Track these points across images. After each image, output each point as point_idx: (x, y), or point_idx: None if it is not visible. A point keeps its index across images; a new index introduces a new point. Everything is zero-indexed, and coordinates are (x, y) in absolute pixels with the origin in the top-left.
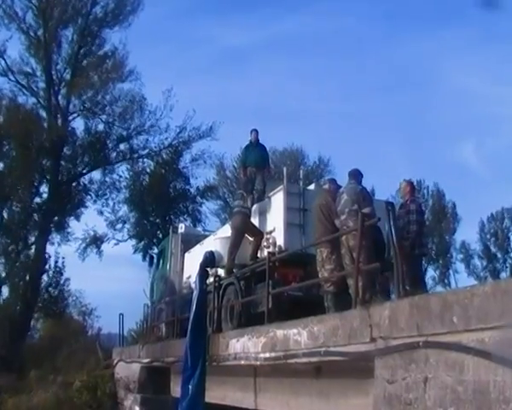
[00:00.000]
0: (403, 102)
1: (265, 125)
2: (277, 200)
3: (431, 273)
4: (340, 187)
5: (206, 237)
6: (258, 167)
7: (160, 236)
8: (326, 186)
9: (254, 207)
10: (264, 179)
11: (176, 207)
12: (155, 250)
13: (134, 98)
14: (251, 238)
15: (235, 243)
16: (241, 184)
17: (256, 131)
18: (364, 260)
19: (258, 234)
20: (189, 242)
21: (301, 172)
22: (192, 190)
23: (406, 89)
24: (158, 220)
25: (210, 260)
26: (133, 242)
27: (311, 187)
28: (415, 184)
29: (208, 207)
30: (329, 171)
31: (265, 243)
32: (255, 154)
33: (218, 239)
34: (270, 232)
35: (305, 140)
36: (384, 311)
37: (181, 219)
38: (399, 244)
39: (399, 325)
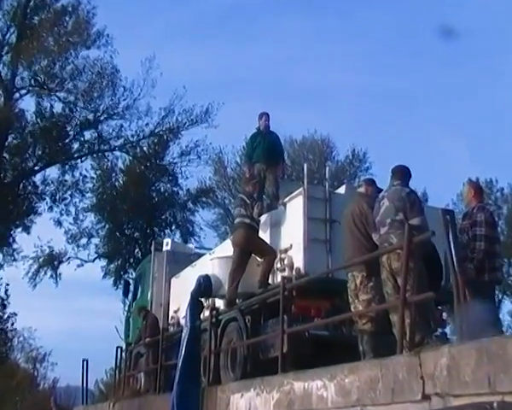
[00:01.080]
0: (462, 75)
1: (279, 106)
2: (295, 207)
3: (508, 307)
4: (380, 190)
5: (199, 256)
6: (270, 164)
7: (139, 255)
8: (361, 189)
9: (264, 217)
10: (278, 180)
11: (160, 217)
12: (132, 274)
13: (103, 70)
14: (260, 259)
15: (239, 265)
16: (245, 187)
17: (267, 115)
18: (413, 289)
19: (270, 253)
20: (178, 263)
21: (327, 169)
22: (181, 194)
23: (467, 57)
24: (136, 234)
25: (205, 287)
26: (102, 262)
27: (341, 190)
28: (483, 185)
29: (203, 216)
30: (366, 169)
31: (279, 266)
32: (265, 145)
33: (215, 260)
34: (286, 251)
35: (332, 126)
36: (441, 358)
37: (167, 232)
38: (462, 267)
39: (463, 378)
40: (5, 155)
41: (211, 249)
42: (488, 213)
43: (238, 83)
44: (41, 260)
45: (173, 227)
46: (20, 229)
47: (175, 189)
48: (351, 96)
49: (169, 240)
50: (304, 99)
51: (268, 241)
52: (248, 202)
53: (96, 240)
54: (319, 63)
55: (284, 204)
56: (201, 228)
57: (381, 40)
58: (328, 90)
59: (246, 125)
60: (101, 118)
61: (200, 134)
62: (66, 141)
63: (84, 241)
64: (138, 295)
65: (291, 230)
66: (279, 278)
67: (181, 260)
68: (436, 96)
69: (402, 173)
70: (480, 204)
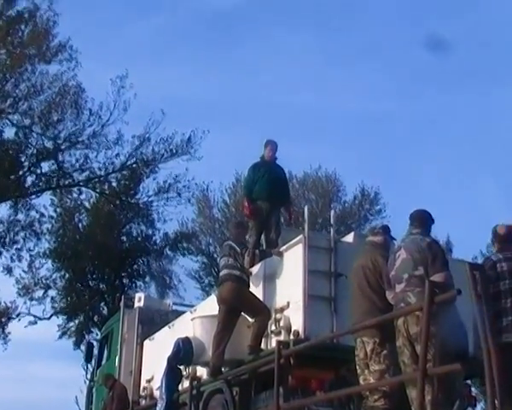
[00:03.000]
0: (488, 97)
1: (277, 136)
2: (294, 258)
3: None
4: (395, 239)
5: (178, 315)
6: (274, 203)
7: (105, 312)
8: (374, 237)
9: (256, 268)
10: (280, 225)
11: (131, 266)
12: (96, 335)
13: (66, 90)
14: (250, 319)
15: (226, 326)
16: (235, 230)
17: (274, 144)
18: (435, 359)
19: (263, 312)
20: (152, 322)
21: (333, 213)
22: (158, 239)
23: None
24: (102, 286)
25: (185, 352)
26: (60, 320)
27: (349, 238)
28: None
29: (184, 266)
30: (378, 212)
31: (274, 328)
32: (270, 180)
33: (197, 319)
34: (282, 310)
35: (339, 161)
36: None
37: (139, 284)
38: (494, 333)
39: None
40: None
41: (192, 306)
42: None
43: (228, 107)
44: None
45: (147, 279)
46: None
47: (150, 232)
48: (359, 124)
49: (142, 294)
50: (307, 128)
51: (261, 297)
52: (238, 249)
53: (53, 292)
54: (322, 86)
55: (281, 253)
56: (181, 280)
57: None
58: (334, 118)
59: (236, 157)
60: (63, 147)
61: (181, 168)
62: (20, 173)
63: (38, 293)
64: (104, 361)
65: (288, 284)
66: (273, 343)
67: (156, 319)
68: (457, 120)
69: (422, 219)
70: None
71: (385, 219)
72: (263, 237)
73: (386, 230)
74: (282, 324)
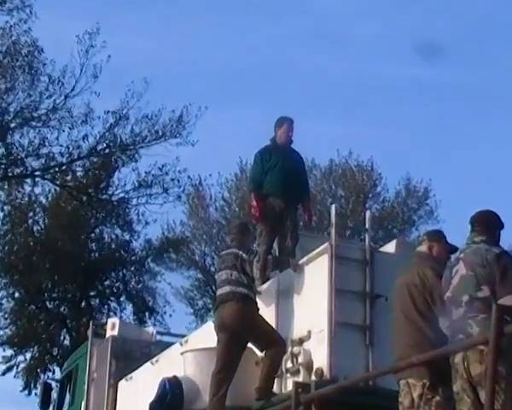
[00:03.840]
0: None
1: (294, 113)
2: (316, 273)
3: None
4: (453, 249)
5: (164, 347)
6: (289, 200)
7: (67, 342)
8: (423, 247)
9: (267, 285)
10: (297, 227)
11: (102, 282)
12: (56, 374)
13: (17, 48)
14: (259, 353)
15: (227, 362)
16: (240, 235)
17: (290, 123)
18: (505, 409)
19: (276, 344)
20: (130, 357)
21: (368, 214)
22: (137, 247)
23: None
24: (63, 309)
25: (172, 397)
26: (7, 352)
27: (390, 247)
28: None
29: (171, 282)
30: (428, 213)
31: (290, 365)
32: (284, 169)
33: (189, 353)
34: (301, 342)
35: (376, 146)
36: None
37: (112, 306)
38: None
39: None
40: None
41: (182, 336)
42: None
43: (230, 78)
44: None
45: (123, 299)
46: None
47: (127, 238)
48: (404, 94)
49: (116, 320)
50: (333, 102)
51: (273, 324)
52: (246, 257)
53: None
54: (350, 42)
55: (299, 267)
56: (168, 302)
57: None
58: (370, 87)
59: (240, 141)
60: (12, 124)
61: (169, 155)
62: None
63: None
64: (66, 407)
65: (310, 308)
66: (290, 386)
67: (135, 353)
68: None
69: (487, 224)
70: None
71: (438, 223)
72: (275, 245)
73: (438, 237)
74: (300, 360)
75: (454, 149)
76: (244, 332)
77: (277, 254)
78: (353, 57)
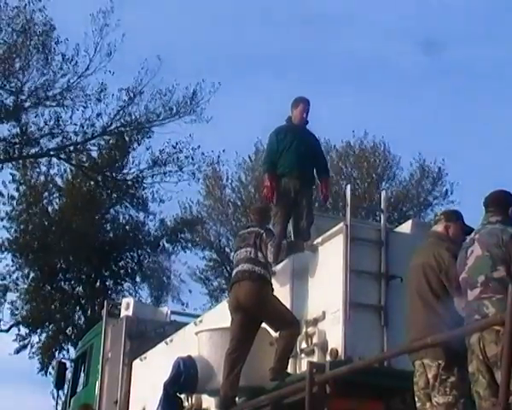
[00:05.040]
0: None
1: (309, 91)
2: (331, 253)
3: None
4: (469, 230)
5: (179, 327)
6: (305, 180)
7: (82, 322)
8: (438, 227)
9: (282, 265)
10: (312, 208)
11: (117, 262)
12: (71, 353)
13: (31, 27)
14: (274, 333)
15: (241, 342)
16: (257, 214)
17: (306, 103)
18: None
19: (290, 324)
20: (144, 337)
21: (384, 194)
22: (152, 227)
23: None
24: (78, 289)
25: (186, 377)
26: (22, 330)
27: (406, 228)
28: None
29: (187, 262)
30: (444, 194)
31: (305, 346)
32: (300, 149)
33: (204, 333)
34: (316, 322)
35: (391, 126)
36: None
37: (126, 286)
38: None
39: None
40: None
41: (197, 316)
42: None
43: (245, 53)
44: None
45: (137, 279)
46: None
47: (142, 218)
48: (421, 74)
49: (131, 300)
50: (348, 79)
51: (288, 305)
52: (264, 237)
53: (12, 296)
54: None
55: (314, 247)
56: (183, 281)
57: None
58: (389, 68)
59: (257, 120)
60: (27, 104)
61: (184, 133)
62: None
63: None
64: (80, 387)
65: (324, 289)
66: (304, 366)
67: (149, 333)
68: None
69: (503, 203)
70: None
71: (453, 204)
72: (290, 226)
73: (454, 217)
74: (315, 340)
75: (468, 126)
76: (258, 312)
77: (292, 234)
78: (365, 35)
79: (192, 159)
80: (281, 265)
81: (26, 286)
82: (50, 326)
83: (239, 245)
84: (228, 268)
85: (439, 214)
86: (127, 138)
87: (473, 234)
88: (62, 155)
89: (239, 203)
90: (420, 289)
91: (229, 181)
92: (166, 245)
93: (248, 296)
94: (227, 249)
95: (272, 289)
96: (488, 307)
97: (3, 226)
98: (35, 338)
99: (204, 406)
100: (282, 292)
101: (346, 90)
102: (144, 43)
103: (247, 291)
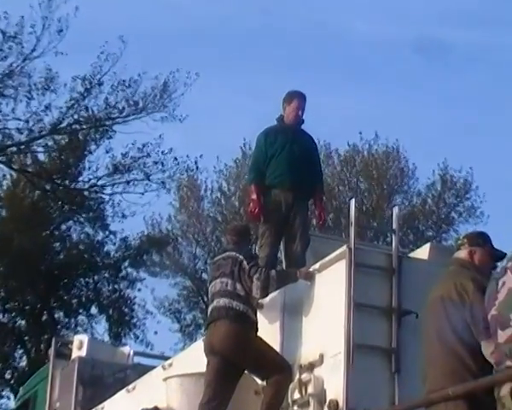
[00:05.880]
0: None
1: (308, 87)
2: (331, 283)
3: None
4: (499, 255)
5: (143, 371)
6: (299, 193)
7: (24, 364)
8: (462, 253)
9: (271, 298)
10: (307, 226)
11: (68, 290)
12: (10, 401)
13: None
14: (259, 380)
15: (218, 390)
16: (237, 236)
17: (302, 98)
18: None
19: (279, 371)
20: (100, 382)
21: (396, 211)
22: (112, 248)
23: None
24: (19, 322)
25: None
26: None
27: (423, 253)
28: None
29: (155, 290)
30: (470, 209)
31: (298, 396)
32: (294, 155)
33: (174, 379)
34: (312, 367)
35: (405, 128)
36: None
37: (80, 320)
38: None
39: None
40: None
41: (166, 358)
42: None
43: (230, 37)
44: None
45: (93, 311)
46: None
47: (100, 236)
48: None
49: (84, 337)
50: (353, 73)
51: (277, 347)
52: (247, 266)
53: None
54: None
55: (310, 276)
56: (149, 312)
57: None
58: (394, 52)
59: (244, 118)
60: None
61: (152, 133)
62: None
63: None
64: None
65: (322, 327)
66: None
67: (106, 378)
68: None
69: None
70: None
71: (481, 222)
72: (281, 249)
73: (482, 239)
74: (310, 389)
75: (500, 130)
76: (238, 358)
77: (283, 260)
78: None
79: (162, 165)
80: (269, 297)
81: None
82: None
83: (213, 275)
84: (205, 298)
85: (462, 237)
86: (82, 138)
87: (505, 261)
88: (2, 158)
89: (220, 219)
90: (439, 329)
91: (209, 192)
92: (129, 270)
93: (225, 341)
94: (204, 275)
95: (256, 329)
96: None
97: None
98: None
99: None
100: (270, 331)
101: (349, 86)
102: (104, 21)
103: (223, 334)
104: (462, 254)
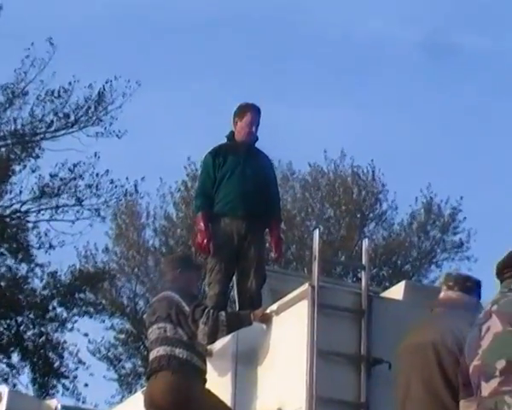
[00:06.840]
0: None
1: (266, 98)
2: (291, 325)
3: None
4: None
5: None
6: (253, 222)
7: None
8: (455, 293)
9: (222, 342)
10: (263, 261)
11: None
12: None
13: None
14: None
15: None
16: (176, 274)
17: (256, 111)
18: None
19: None
20: None
21: (366, 243)
22: (38, 285)
23: None
24: None
25: None
26: None
27: (396, 291)
28: None
29: (88, 334)
30: (458, 247)
31: None
32: (246, 179)
33: None
34: None
35: (381, 145)
36: None
37: (0, 370)
38: None
39: None
40: None
41: None
42: None
43: (179, 42)
44: None
45: (15, 358)
46: None
47: (23, 271)
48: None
49: (4, 388)
50: (320, 80)
51: (228, 400)
52: (186, 308)
53: None
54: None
55: (267, 319)
56: (81, 362)
57: None
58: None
59: (191, 135)
60: None
61: (86, 151)
62: None
63: None
64: None
65: (281, 377)
66: None
67: None
68: None
69: None
70: None
71: (468, 260)
72: (233, 287)
73: (463, 280)
74: None
75: (493, 153)
76: None
77: (237, 300)
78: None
79: (97, 188)
80: (219, 343)
81: None
82: None
83: (150, 320)
84: (145, 343)
85: (448, 275)
86: (4, 157)
87: (488, 305)
88: None
89: (164, 250)
90: (428, 380)
91: (151, 219)
92: (59, 309)
93: (167, 394)
94: (144, 317)
95: (204, 380)
96: (510, 406)
97: None
98: None
99: None
100: (220, 382)
101: (320, 97)
102: (30, 18)
103: (164, 388)
104: (454, 295)
